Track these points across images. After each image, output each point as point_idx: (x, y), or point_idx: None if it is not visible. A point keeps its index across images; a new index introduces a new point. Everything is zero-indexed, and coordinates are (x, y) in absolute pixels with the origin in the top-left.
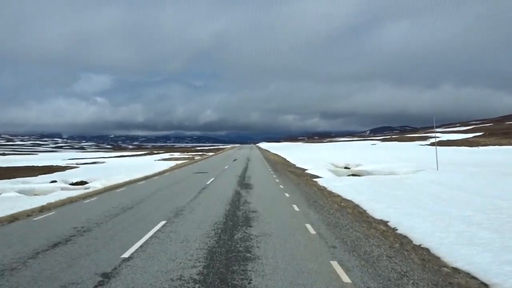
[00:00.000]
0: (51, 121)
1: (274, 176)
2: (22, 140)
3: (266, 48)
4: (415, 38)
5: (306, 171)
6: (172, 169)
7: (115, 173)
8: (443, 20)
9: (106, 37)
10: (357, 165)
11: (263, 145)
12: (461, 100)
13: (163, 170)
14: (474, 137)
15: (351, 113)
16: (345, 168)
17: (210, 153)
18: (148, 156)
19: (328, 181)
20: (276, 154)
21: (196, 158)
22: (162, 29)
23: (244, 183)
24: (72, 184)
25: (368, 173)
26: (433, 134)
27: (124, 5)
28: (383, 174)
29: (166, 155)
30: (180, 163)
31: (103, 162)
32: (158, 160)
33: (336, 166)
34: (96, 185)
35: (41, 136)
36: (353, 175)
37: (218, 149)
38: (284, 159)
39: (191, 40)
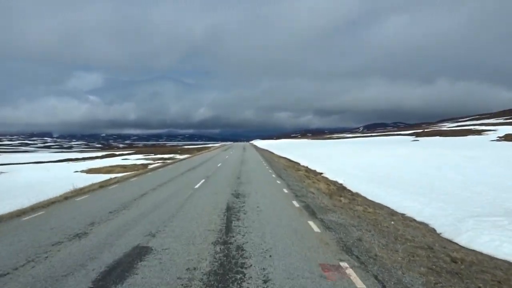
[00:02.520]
0: (42, 120)
1: None
2: (10, 140)
3: (260, 44)
4: (410, 34)
5: None
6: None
7: None
8: (439, 15)
9: (98, 33)
10: None
11: (259, 143)
12: (456, 95)
13: None
14: None
15: (344, 110)
16: None
17: (183, 156)
18: (98, 160)
19: None
20: (290, 161)
21: (151, 166)
22: (155, 26)
23: None
24: None
25: None
26: (488, 127)
27: (117, 0)
28: None
29: (113, 161)
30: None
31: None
32: (81, 171)
33: None
34: None
35: (31, 135)
36: None
37: (199, 150)
38: (335, 182)
39: (185, 37)
